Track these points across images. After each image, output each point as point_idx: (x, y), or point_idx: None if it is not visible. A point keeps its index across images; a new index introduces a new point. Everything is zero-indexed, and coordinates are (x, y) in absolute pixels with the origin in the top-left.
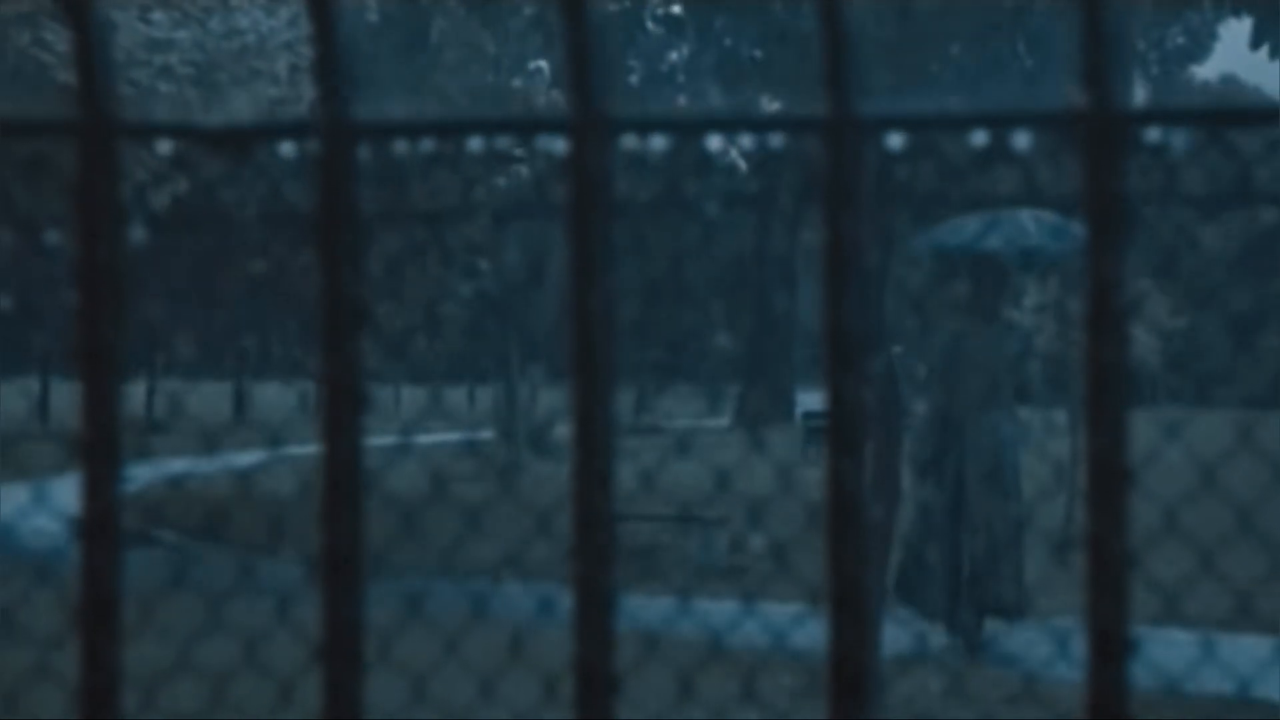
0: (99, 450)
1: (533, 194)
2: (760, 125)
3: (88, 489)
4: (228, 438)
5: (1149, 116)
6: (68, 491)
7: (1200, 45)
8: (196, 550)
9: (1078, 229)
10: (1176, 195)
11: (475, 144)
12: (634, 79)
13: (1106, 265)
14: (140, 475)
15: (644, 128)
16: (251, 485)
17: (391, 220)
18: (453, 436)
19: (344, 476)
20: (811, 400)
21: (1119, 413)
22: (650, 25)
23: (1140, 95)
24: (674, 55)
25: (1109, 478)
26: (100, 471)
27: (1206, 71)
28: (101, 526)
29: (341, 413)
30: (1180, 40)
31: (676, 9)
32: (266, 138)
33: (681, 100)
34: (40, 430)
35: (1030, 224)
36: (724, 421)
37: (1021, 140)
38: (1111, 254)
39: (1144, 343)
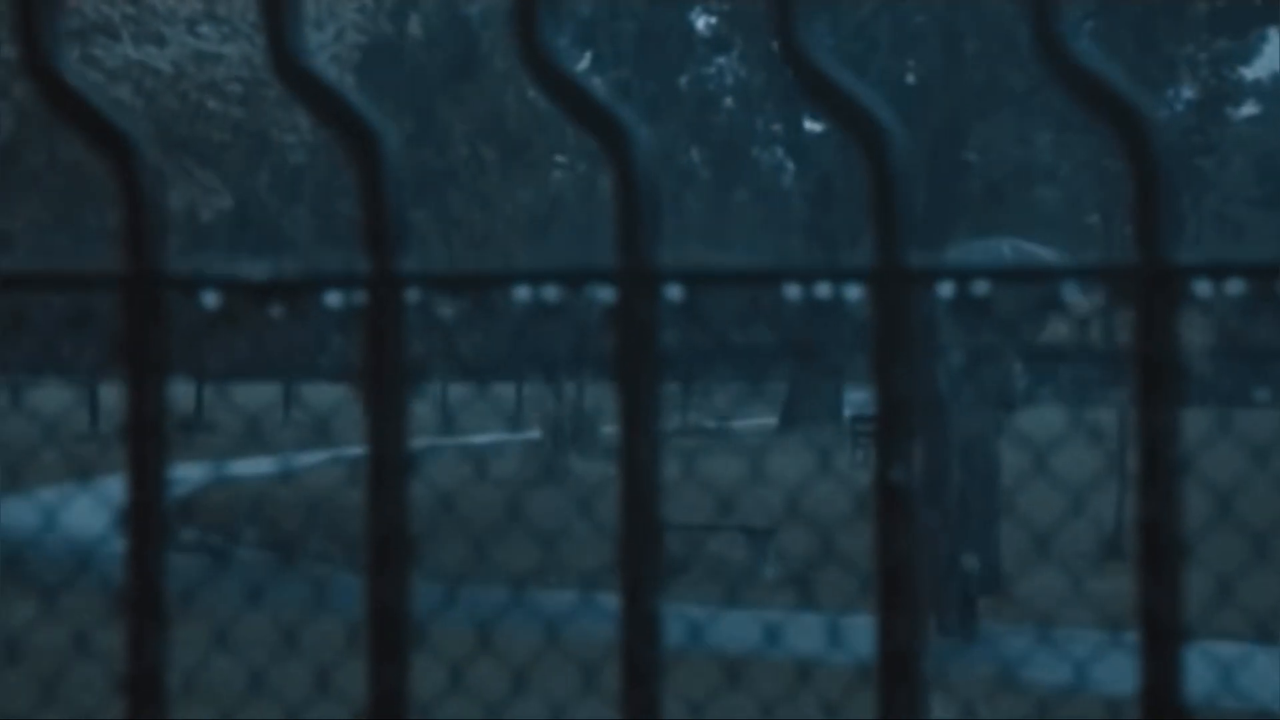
0: (146, 609)
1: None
2: (807, 275)
3: (132, 648)
4: None
5: (1202, 270)
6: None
7: (1249, 47)
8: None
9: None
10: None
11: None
12: (683, 81)
13: (1159, 421)
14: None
15: (691, 279)
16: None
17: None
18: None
19: (390, 624)
20: (858, 399)
21: (1174, 572)
22: (699, 27)
23: (1188, 96)
24: (721, 59)
25: (1164, 633)
26: (146, 628)
27: (1257, 71)
28: (148, 682)
29: (388, 557)
30: (1229, 42)
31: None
32: (313, 289)
33: (729, 103)
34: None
35: (1007, 251)
36: (771, 421)
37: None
38: (1164, 409)
39: None
